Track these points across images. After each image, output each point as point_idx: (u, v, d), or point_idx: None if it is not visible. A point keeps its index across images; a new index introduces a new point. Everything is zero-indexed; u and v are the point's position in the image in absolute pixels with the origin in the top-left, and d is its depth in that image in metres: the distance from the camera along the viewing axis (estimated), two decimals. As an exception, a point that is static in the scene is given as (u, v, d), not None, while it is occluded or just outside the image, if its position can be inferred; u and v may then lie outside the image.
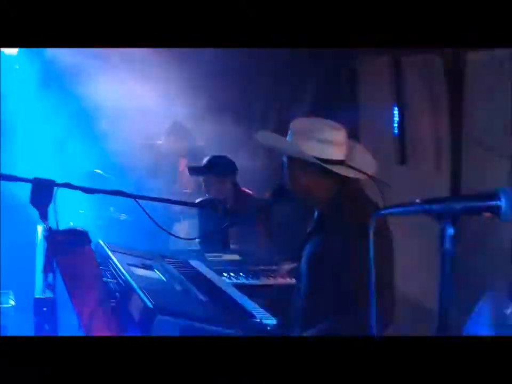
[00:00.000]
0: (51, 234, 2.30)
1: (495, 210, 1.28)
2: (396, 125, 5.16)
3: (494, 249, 3.96)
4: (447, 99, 4.74)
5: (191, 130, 5.58)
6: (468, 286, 3.74)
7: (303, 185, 2.57)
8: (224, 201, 3.44)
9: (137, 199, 2.63)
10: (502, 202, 1.27)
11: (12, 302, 4.44)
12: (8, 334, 4.36)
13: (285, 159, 2.60)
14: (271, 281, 3.42)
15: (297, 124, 2.62)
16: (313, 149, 2.47)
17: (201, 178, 4.42)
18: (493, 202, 1.28)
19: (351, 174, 2.50)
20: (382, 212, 1.37)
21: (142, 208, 2.60)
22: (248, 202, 4.09)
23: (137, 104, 5.23)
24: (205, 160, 4.36)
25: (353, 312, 2.18)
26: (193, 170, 4.53)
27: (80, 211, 4.89)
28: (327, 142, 2.49)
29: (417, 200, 1.30)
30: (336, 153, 2.49)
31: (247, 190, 4.40)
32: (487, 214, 1.30)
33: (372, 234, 1.32)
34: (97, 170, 5.30)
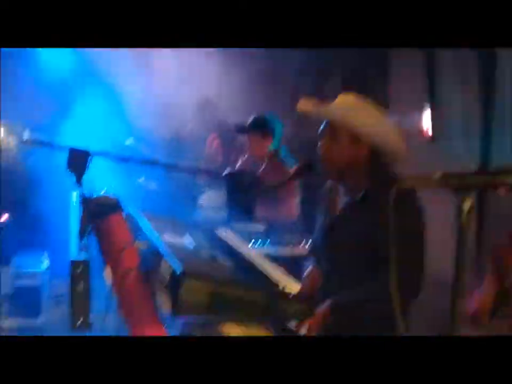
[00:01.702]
0: (86, 201, 2.37)
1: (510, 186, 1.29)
2: (427, 102, 5.16)
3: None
4: (478, 78, 4.73)
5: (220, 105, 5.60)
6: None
7: (346, 160, 2.56)
8: (253, 172, 3.49)
9: (169, 169, 2.70)
10: None
11: (46, 265, 4.57)
12: (43, 295, 4.50)
13: (325, 129, 2.59)
14: (295, 251, 3.48)
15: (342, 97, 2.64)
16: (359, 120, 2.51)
17: (244, 137, 4.53)
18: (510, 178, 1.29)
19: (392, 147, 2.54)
20: (404, 185, 1.39)
21: (174, 177, 2.66)
22: (280, 169, 4.16)
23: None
24: (250, 119, 4.44)
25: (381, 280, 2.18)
26: (239, 128, 4.61)
27: (112, 180, 4.95)
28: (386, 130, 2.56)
29: (437, 175, 1.33)
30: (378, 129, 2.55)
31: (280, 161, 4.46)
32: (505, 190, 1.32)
33: (393, 206, 1.34)
34: (129, 141, 5.33)
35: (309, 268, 2.71)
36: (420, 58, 5.16)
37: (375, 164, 2.55)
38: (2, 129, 5.99)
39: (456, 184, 1.29)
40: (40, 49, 5.49)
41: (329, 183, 2.76)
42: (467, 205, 1.28)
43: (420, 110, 5.20)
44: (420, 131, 5.18)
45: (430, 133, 5.12)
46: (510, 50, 4.45)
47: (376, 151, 2.53)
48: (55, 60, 5.63)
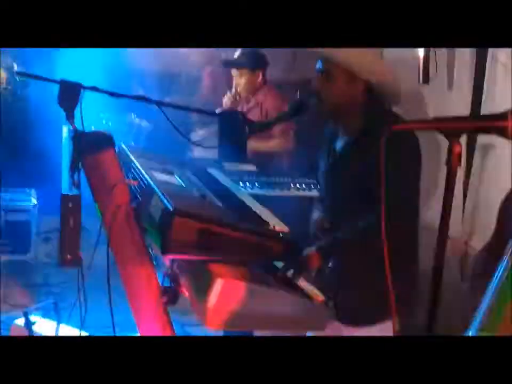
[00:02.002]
0: (77, 136, 2.34)
1: (503, 132, 1.30)
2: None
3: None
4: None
5: None
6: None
7: (343, 99, 2.58)
8: (244, 111, 3.49)
9: (160, 106, 2.69)
10: (510, 123, 1.28)
11: (34, 201, 4.61)
12: (32, 232, 4.53)
13: (320, 67, 2.60)
14: (285, 192, 3.52)
15: None
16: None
17: (233, 72, 4.52)
18: (501, 123, 1.30)
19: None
20: (397, 126, 1.41)
21: (165, 114, 2.65)
22: (273, 100, 4.16)
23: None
24: (237, 53, 4.44)
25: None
26: (227, 63, 4.64)
27: (103, 116, 4.95)
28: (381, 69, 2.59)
29: (429, 118, 1.34)
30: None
31: (274, 89, 4.46)
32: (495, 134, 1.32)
33: (384, 147, 1.36)
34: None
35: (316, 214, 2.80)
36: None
37: (371, 103, 2.57)
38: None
39: (447, 127, 1.31)
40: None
41: (329, 124, 2.78)
42: (456, 149, 1.30)
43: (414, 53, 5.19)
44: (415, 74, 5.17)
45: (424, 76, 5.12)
46: None
47: (372, 90, 2.55)
48: None
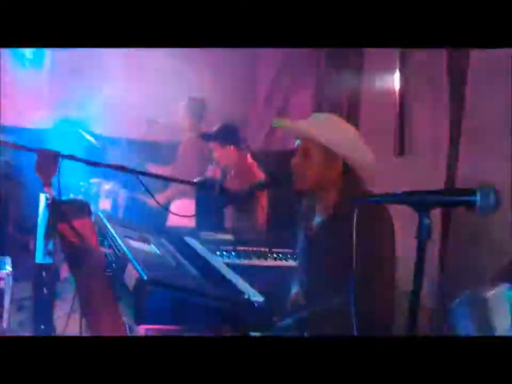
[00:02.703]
0: (54, 203, 2.34)
1: (471, 205, 1.33)
2: (396, 118, 5.22)
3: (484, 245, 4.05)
4: (449, 96, 4.80)
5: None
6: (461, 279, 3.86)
7: (320, 177, 2.62)
8: (221, 181, 3.51)
9: (138, 175, 2.71)
10: (477, 198, 1.33)
11: (9, 268, 4.55)
12: (5, 299, 4.44)
13: (299, 146, 2.64)
14: (262, 262, 3.50)
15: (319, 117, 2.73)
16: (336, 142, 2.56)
17: (209, 145, 4.55)
18: (469, 198, 1.34)
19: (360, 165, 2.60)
20: (367, 199, 1.43)
21: (143, 184, 2.67)
22: (247, 175, 4.16)
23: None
24: (214, 128, 4.48)
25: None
26: (203, 137, 4.69)
27: (80, 183, 4.94)
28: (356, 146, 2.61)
29: (399, 191, 1.37)
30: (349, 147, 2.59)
31: (250, 160, 4.47)
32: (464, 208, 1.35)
33: (356, 219, 1.38)
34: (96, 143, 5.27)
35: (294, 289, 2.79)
36: (391, 80, 5.24)
37: (346, 181, 2.60)
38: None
39: (417, 201, 1.33)
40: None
41: (305, 200, 2.81)
42: (426, 221, 1.32)
43: (389, 126, 5.28)
44: (390, 146, 5.25)
45: (399, 149, 5.19)
46: (478, 71, 4.56)
47: (348, 168, 2.58)
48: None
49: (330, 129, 2.57)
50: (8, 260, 4.79)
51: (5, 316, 4.24)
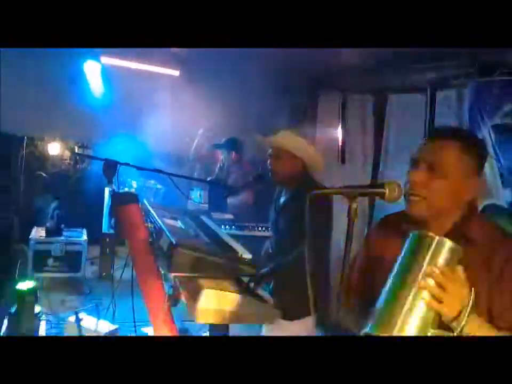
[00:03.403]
0: (114, 194, 2.37)
1: (381, 195, 1.33)
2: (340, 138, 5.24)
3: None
4: (374, 124, 4.83)
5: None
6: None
7: (285, 173, 2.60)
8: (225, 178, 3.52)
9: (170, 176, 2.73)
10: (386, 190, 1.32)
11: (85, 237, 4.58)
12: (82, 257, 4.44)
13: (276, 154, 2.61)
14: (251, 232, 3.52)
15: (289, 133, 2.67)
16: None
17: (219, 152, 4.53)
18: (380, 190, 1.33)
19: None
20: (316, 192, 1.43)
21: (173, 182, 2.68)
22: (243, 174, 4.15)
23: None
24: (223, 140, 4.50)
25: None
26: (215, 146, 4.67)
27: (133, 181, 4.94)
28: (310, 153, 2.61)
29: (338, 185, 1.38)
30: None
31: (246, 163, 4.47)
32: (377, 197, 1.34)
33: (308, 208, 1.37)
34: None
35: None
36: (336, 107, 5.23)
37: (305, 174, 2.61)
38: (59, 146, 5.94)
39: (348, 192, 1.34)
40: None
41: (278, 188, 2.81)
42: (353, 206, 1.31)
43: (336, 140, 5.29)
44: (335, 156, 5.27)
45: (341, 158, 5.20)
46: (399, 97, 4.56)
47: (305, 166, 2.60)
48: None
49: (292, 140, 2.59)
50: (84, 231, 4.83)
51: (82, 268, 4.29)
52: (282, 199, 2.70)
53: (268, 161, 2.65)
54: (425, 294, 1.20)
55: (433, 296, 1.20)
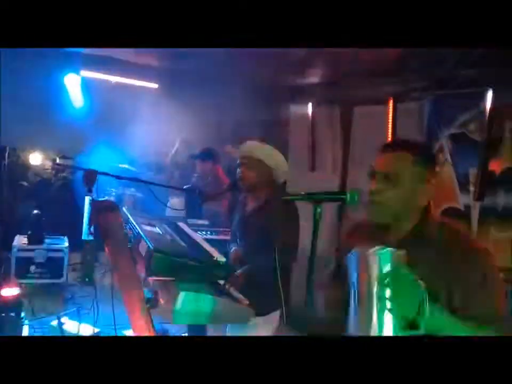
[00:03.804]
0: (94, 202, 2.34)
1: (343, 200, 1.40)
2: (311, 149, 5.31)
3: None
4: (341, 135, 4.92)
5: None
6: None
7: (254, 181, 2.61)
8: (201, 187, 3.52)
9: (148, 184, 2.73)
10: (347, 196, 1.40)
11: (66, 244, 4.52)
12: (64, 263, 4.37)
13: (246, 163, 2.62)
14: (225, 237, 3.50)
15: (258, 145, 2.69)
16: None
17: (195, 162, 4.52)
18: (341, 196, 1.40)
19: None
20: (284, 198, 1.46)
21: (151, 190, 2.68)
22: (218, 182, 4.14)
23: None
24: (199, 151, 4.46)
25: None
26: (192, 156, 4.62)
27: (112, 189, 4.90)
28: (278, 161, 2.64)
29: (303, 192, 1.42)
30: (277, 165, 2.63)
31: (221, 172, 4.45)
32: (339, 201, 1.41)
33: (251, 211, 1.40)
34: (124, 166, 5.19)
35: (232, 248, 2.79)
36: (306, 118, 5.30)
37: (272, 182, 2.64)
38: (40, 156, 5.85)
39: (312, 198, 1.39)
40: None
41: (242, 195, 2.81)
42: (318, 210, 1.36)
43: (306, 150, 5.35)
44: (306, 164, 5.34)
45: (311, 166, 5.28)
46: (363, 108, 4.66)
47: (273, 174, 2.63)
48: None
49: (260, 149, 2.62)
50: (66, 238, 4.78)
51: (64, 274, 4.23)
52: (250, 206, 2.70)
53: (237, 170, 2.67)
54: (384, 303, 1.26)
55: (392, 303, 1.25)
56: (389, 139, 4.15)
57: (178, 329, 3.06)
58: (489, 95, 3.39)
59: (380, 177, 1.48)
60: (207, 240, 2.65)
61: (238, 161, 2.68)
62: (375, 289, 1.27)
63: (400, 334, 1.25)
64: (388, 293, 1.25)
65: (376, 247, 1.31)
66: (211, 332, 2.42)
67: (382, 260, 1.28)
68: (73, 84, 5.09)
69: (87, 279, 3.63)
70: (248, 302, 2.24)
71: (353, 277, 1.35)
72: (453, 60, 3.59)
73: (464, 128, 3.66)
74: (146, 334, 2.33)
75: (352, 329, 1.31)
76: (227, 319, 2.24)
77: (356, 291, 1.33)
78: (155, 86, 5.25)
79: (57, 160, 5.87)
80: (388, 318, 1.25)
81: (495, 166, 3.40)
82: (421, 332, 1.24)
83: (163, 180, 4.87)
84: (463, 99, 3.65)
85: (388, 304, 1.25)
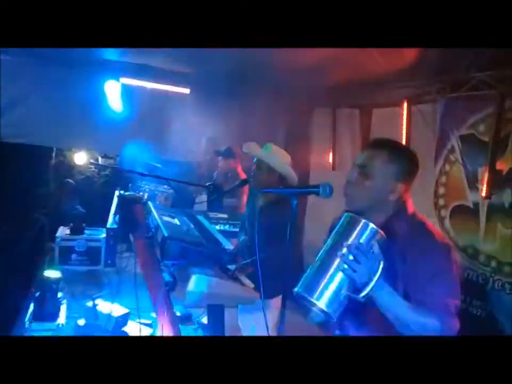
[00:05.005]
0: (120, 196, 2.55)
1: (317, 193, 1.55)
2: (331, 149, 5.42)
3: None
4: (360, 136, 5.02)
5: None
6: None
7: (265, 182, 2.78)
8: (220, 183, 3.70)
9: (169, 181, 2.94)
10: (319, 190, 1.54)
11: (104, 235, 4.76)
12: (102, 253, 4.62)
13: (258, 164, 2.79)
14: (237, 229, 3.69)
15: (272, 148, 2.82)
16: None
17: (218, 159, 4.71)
18: (316, 189, 1.55)
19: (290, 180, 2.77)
20: (264, 191, 1.65)
21: (171, 187, 2.87)
22: (237, 179, 4.31)
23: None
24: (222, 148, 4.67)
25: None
26: (216, 152, 4.83)
27: (146, 186, 5.11)
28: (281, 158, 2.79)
29: (281, 187, 1.59)
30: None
31: (240, 168, 4.64)
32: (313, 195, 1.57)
33: (258, 207, 1.58)
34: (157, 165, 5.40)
35: (241, 238, 2.97)
36: (328, 121, 5.42)
37: (280, 184, 2.79)
38: (82, 156, 6.22)
39: (290, 192, 1.56)
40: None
41: (254, 193, 2.99)
42: (294, 202, 1.53)
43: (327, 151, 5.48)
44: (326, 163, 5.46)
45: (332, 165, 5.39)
46: (380, 111, 4.74)
47: (281, 177, 2.79)
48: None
49: (271, 156, 2.78)
50: (104, 230, 5.04)
51: (101, 262, 4.48)
52: (259, 203, 2.88)
53: (252, 168, 2.86)
54: (343, 264, 1.43)
55: (349, 266, 1.41)
56: (403, 140, 4.24)
57: (198, 312, 3.26)
58: (497, 97, 3.44)
59: (357, 170, 1.64)
60: (225, 232, 2.85)
61: (254, 160, 2.86)
62: (343, 249, 1.43)
63: (338, 291, 1.40)
64: (350, 257, 1.42)
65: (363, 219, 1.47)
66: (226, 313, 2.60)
67: (363, 229, 1.45)
68: (113, 90, 5.39)
69: (109, 261, 3.87)
70: (253, 286, 2.45)
71: (333, 232, 1.49)
72: (464, 63, 3.65)
73: (474, 130, 3.71)
74: (166, 315, 2.56)
75: (308, 275, 1.45)
76: (234, 300, 2.44)
77: (328, 244, 1.48)
78: (187, 91, 5.48)
79: (99, 160, 6.25)
80: (339, 275, 1.42)
81: (502, 166, 3.44)
82: (361, 299, 1.40)
83: (194, 178, 5.10)
84: (473, 102, 3.70)
85: (346, 265, 1.42)
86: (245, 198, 4.04)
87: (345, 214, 1.52)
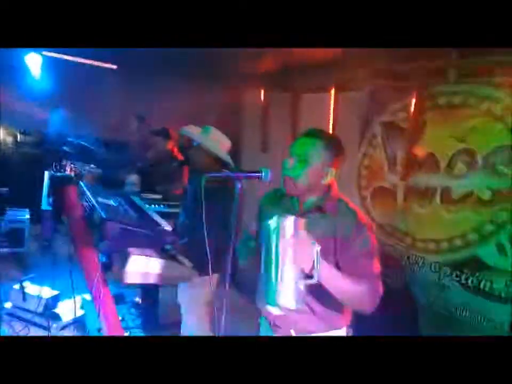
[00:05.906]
0: (52, 177, 2.50)
1: (259, 177, 1.63)
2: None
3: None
4: (291, 119, 5.15)
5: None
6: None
7: (205, 164, 2.76)
8: (155, 163, 3.62)
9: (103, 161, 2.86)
10: (261, 174, 1.63)
11: (27, 216, 4.57)
12: (25, 234, 4.41)
13: (197, 147, 2.75)
14: (174, 210, 3.68)
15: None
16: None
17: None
18: (258, 174, 1.64)
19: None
20: (208, 175, 1.71)
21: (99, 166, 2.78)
22: (171, 160, 4.18)
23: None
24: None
25: None
26: (152, 131, 4.54)
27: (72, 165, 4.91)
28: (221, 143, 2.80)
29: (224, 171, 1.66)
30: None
31: (175, 151, 4.54)
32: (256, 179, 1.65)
33: (203, 190, 1.63)
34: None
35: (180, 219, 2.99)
36: (260, 105, 5.50)
37: (218, 167, 2.78)
38: (2, 131, 5.83)
39: (233, 176, 1.63)
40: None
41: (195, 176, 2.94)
42: (238, 185, 1.60)
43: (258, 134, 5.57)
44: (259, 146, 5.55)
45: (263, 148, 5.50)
46: (310, 96, 4.88)
47: (220, 160, 2.82)
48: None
49: (212, 139, 2.81)
50: (27, 211, 4.83)
51: (25, 243, 4.31)
52: (202, 185, 2.87)
53: (190, 151, 2.86)
54: (288, 259, 1.55)
55: (293, 258, 1.53)
56: (330, 124, 4.43)
57: (131, 292, 3.26)
58: (416, 88, 3.71)
59: (294, 157, 1.75)
60: (159, 213, 2.84)
61: (194, 143, 2.84)
62: (280, 247, 1.57)
63: (298, 281, 1.53)
64: (290, 249, 1.53)
65: (286, 216, 1.59)
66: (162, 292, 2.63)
67: (287, 224, 1.57)
68: (34, 62, 5.09)
69: (46, 243, 3.75)
70: (191, 265, 2.50)
71: (267, 238, 1.62)
72: (387, 55, 3.88)
73: (395, 117, 3.98)
74: (101, 295, 2.53)
75: (263, 278, 1.57)
76: (172, 279, 2.48)
77: (268, 249, 1.60)
78: (114, 67, 5.29)
79: (18, 137, 5.87)
80: (290, 269, 1.56)
81: (418, 151, 3.74)
82: (313, 281, 1.53)
83: (126, 157, 4.96)
84: (394, 91, 3.96)
85: (291, 258, 1.55)
86: (183, 180, 4.02)
87: (272, 219, 1.61)
